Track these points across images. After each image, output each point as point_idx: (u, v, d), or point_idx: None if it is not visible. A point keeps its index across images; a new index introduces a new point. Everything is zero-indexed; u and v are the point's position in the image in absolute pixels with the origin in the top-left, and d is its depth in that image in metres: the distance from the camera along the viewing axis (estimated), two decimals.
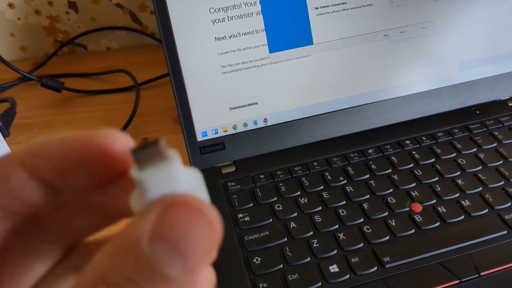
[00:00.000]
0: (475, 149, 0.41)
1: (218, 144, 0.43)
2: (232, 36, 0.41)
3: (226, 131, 0.43)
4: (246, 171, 0.42)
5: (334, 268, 0.32)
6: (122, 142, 0.14)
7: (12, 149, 0.41)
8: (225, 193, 0.40)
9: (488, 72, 0.46)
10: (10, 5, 0.61)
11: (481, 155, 0.40)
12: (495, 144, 0.42)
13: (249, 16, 0.41)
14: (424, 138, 0.43)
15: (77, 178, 0.14)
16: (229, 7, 0.41)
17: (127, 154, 0.13)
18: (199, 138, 0.42)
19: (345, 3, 0.43)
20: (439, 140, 0.43)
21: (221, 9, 0.41)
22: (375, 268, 0.32)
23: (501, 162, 0.40)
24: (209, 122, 0.43)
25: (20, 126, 0.53)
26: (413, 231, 0.35)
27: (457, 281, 0.31)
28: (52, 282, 0.15)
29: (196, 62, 0.41)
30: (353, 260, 0.33)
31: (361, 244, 0.34)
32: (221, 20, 0.41)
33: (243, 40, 0.42)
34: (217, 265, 0.34)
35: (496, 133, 0.43)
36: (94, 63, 0.64)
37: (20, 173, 0.14)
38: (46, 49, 0.66)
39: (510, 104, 0.47)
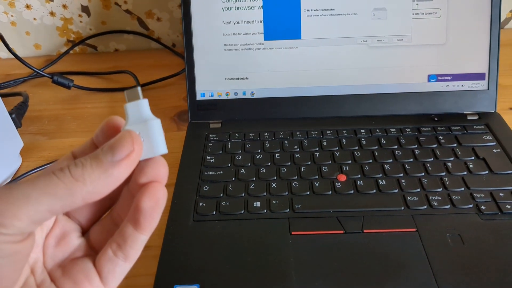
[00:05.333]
0: (415, 146, 0.49)
1: (211, 105, 0.54)
2: (236, 22, 0.53)
3: (220, 96, 0.54)
4: (227, 129, 0.53)
5: (256, 204, 0.43)
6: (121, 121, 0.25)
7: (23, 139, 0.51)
8: (204, 141, 0.51)
9: (454, 87, 0.53)
10: (28, 6, 0.69)
11: (417, 151, 0.48)
12: (435, 146, 0.49)
13: (252, 8, 0.52)
14: (377, 130, 0.51)
15: None
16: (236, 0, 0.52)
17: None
18: (198, 97, 0.54)
19: (333, 9, 0.52)
20: (388, 134, 0.51)
21: (230, 0, 0.52)
22: (287, 210, 0.42)
23: (431, 159, 0.47)
24: (207, 86, 0.54)
25: (31, 118, 0.58)
26: (329, 192, 0.44)
27: (342, 231, 0.40)
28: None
29: (205, 37, 0.53)
30: (273, 201, 0.43)
31: (286, 193, 0.44)
32: (229, 9, 0.52)
33: (244, 26, 0.53)
34: (178, 184, 0.45)
35: (440, 137, 0.50)
36: (103, 63, 0.70)
37: None
38: (59, 47, 0.74)
39: (469, 118, 0.53)
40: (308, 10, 0.52)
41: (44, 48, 0.75)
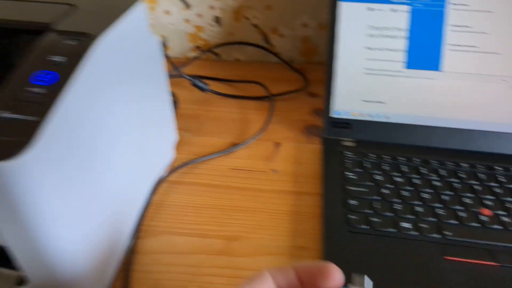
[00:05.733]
0: None
1: (346, 123, 0.57)
2: (379, 49, 0.56)
3: (354, 116, 0.57)
4: (362, 148, 0.55)
5: (406, 225, 0.45)
6: (337, 277, 0.26)
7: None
8: (341, 157, 0.54)
9: None
10: (167, 12, 0.76)
11: None
12: None
13: (396, 38, 0.55)
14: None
15: None
16: (383, 28, 0.55)
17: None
18: (333, 114, 0.57)
19: (477, 47, 0.55)
20: None
21: (376, 28, 0.55)
22: (438, 235, 0.44)
23: None
24: (344, 105, 0.57)
25: (176, 115, 0.62)
26: (477, 225, 0.45)
27: (496, 264, 0.42)
28: None
29: (347, 60, 0.56)
30: (421, 225, 0.45)
31: (433, 219, 0.46)
32: (374, 36, 0.55)
33: (387, 54, 0.56)
34: (325, 195, 0.48)
35: None
36: (225, 70, 0.75)
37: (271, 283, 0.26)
38: (186, 52, 0.80)
39: None
40: (451, 45, 0.55)
41: (173, 51, 0.80)
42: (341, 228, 0.45)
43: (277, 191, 0.51)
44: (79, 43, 0.33)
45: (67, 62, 0.31)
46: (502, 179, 0.51)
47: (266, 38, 0.77)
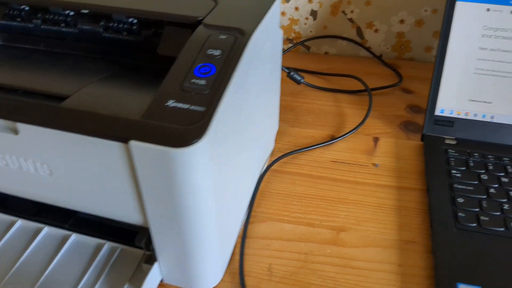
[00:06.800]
0: None
1: (449, 122, 0.58)
2: (492, 50, 0.55)
3: (459, 114, 0.58)
4: (465, 147, 0.56)
5: None
6: None
7: None
8: (444, 155, 0.55)
9: None
10: None
11: None
12: None
13: (511, 39, 0.55)
14: None
15: None
16: (498, 29, 0.55)
17: None
18: (437, 112, 0.58)
19: None
20: None
21: (492, 29, 0.55)
22: None
23: None
24: (449, 103, 0.58)
25: None
26: None
27: None
28: None
29: (458, 59, 0.56)
30: None
31: None
32: (489, 36, 0.55)
33: (500, 54, 0.55)
34: (431, 191, 0.49)
35: None
36: (316, 63, 0.76)
37: None
38: None
39: None
40: None
41: None
42: (450, 225, 0.46)
43: (380, 185, 0.53)
44: (233, 38, 0.36)
45: (225, 56, 0.34)
46: None
47: (359, 33, 0.78)
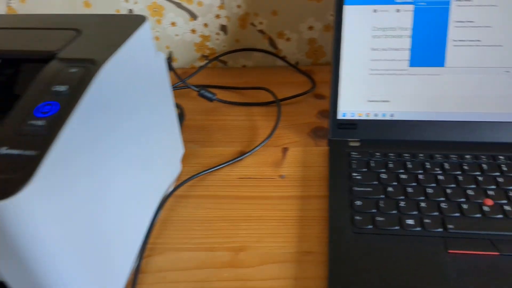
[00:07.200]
0: None
1: (352, 124, 0.58)
2: (384, 49, 0.56)
3: (360, 116, 0.58)
4: (367, 148, 0.56)
5: (409, 221, 0.46)
6: None
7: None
8: (347, 158, 0.55)
9: None
10: (173, 24, 0.77)
11: None
12: None
13: (400, 37, 0.55)
14: None
15: None
16: (387, 28, 0.55)
17: None
18: (339, 116, 0.58)
19: (480, 40, 0.54)
20: None
21: (381, 29, 0.56)
22: (440, 229, 0.45)
23: None
24: (350, 107, 0.58)
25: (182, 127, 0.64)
26: (479, 215, 0.46)
27: (497, 253, 0.42)
28: None
29: (353, 62, 0.57)
30: (425, 220, 0.46)
31: (436, 213, 0.47)
32: (378, 36, 0.56)
33: (391, 53, 0.56)
34: (331, 197, 0.50)
35: None
36: (232, 77, 0.76)
37: None
38: (193, 62, 0.81)
39: None
40: (454, 41, 0.55)
41: (180, 62, 0.82)
42: (347, 230, 0.46)
43: (285, 197, 0.53)
44: (84, 71, 0.34)
45: (68, 91, 0.33)
46: (505, 168, 0.51)
47: (272, 43, 0.79)
